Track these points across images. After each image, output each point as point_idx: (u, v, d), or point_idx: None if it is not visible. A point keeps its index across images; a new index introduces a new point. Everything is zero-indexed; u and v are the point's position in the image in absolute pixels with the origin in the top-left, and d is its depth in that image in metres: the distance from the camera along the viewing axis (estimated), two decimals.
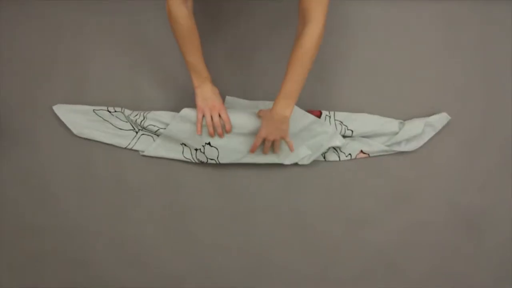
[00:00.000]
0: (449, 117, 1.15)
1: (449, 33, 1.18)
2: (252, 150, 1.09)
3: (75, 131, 1.16)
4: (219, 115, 1.06)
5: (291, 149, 1.08)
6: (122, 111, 1.15)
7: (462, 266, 1.16)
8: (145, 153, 1.15)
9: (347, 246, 1.17)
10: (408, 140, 1.15)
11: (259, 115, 1.07)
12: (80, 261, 1.17)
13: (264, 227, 1.17)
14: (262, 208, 1.17)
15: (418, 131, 1.12)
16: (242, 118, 1.08)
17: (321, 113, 1.14)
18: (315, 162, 1.17)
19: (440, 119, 1.15)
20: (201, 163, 1.15)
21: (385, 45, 1.18)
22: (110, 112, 1.15)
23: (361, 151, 1.15)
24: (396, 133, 1.13)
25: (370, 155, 1.16)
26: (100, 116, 1.15)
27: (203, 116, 1.06)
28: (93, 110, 1.15)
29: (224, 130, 1.08)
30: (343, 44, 1.19)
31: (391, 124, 1.13)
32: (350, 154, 1.15)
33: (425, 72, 1.18)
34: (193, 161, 1.14)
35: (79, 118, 1.16)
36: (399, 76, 1.18)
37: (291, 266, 1.17)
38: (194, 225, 1.17)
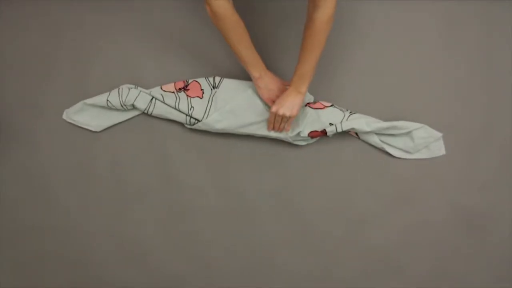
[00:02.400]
0: (444, 152, 1.17)
1: (449, 32, 1.19)
2: (269, 128, 1.11)
3: (93, 129, 1.17)
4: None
5: (287, 130, 1.11)
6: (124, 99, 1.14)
7: (463, 265, 1.16)
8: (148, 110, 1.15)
9: (348, 246, 1.17)
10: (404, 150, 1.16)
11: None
12: (80, 261, 1.17)
13: (264, 227, 1.17)
14: (262, 208, 1.17)
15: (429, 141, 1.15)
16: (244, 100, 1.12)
17: (326, 134, 1.12)
18: (316, 162, 1.17)
19: (438, 149, 1.16)
20: (194, 122, 1.14)
21: (385, 45, 1.18)
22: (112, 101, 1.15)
23: (355, 132, 1.16)
24: (407, 133, 1.14)
25: (360, 138, 1.16)
26: (112, 104, 1.14)
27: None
28: (107, 100, 1.14)
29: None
30: (343, 44, 1.19)
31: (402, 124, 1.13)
32: (342, 130, 1.12)
33: (425, 72, 1.18)
34: (186, 121, 1.15)
35: (90, 116, 1.16)
36: (399, 75, 1.18)
37: (291, 266, 1.17)
38: (194, 225, 1.17)
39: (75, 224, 1.17)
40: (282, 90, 1.08)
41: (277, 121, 1.07)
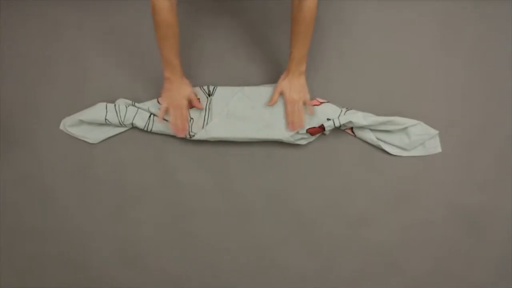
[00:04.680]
0: (440, 150, 1.16)
1: (449, 32, 1.19)
2: (290, 125, 1.12)
3: (90, 141, 1.18)
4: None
5: (311, 113, 1.12)
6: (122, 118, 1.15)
7: (462, 264, 1.15)
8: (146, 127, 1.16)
9: (347, 246, 1.16)
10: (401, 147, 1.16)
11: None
12: (80, 263, 1.17)
13: (263, 227, 1.17)
14: (261, 208, 1.17)
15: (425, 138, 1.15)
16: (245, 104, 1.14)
17: (324, 129, 1.13)
18: (313, 161, 1.17)
19: (433, 147, 1.16)
20: (193, 134, 1.15)
21: (382, 43, 1.19)
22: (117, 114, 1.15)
23: (351, 129, 1.16)
24: (403, 129, 1.14)
25: (356, 135, 1.16)
26: (110, 122, 1.15)
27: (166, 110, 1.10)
28: (105, 119, 1.15)
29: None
30: (342, 44, 1.20)
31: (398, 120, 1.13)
32: (340, 124, 1.12)
33: (425, 72, 1.18)
34: (186, 136, 1.15)
35: (87, 129, 1.17)
36: (398, 75, 1.19)
37: (291, 266, 1.16)
38: (194, 226, 1.17)
39: (75, 226, 1.18)
40: (181, 105, 1.09)
41: (293, 111, 1.10)
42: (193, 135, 1.14)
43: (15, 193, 1.18)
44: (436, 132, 1.15)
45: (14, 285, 1.17)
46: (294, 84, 1.08)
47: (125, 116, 1.14)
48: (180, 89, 1.09)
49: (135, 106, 1.16)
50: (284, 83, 1.09)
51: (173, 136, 1.18)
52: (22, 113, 1.20)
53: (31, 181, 1.18)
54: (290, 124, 1.11)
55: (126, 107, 1.15)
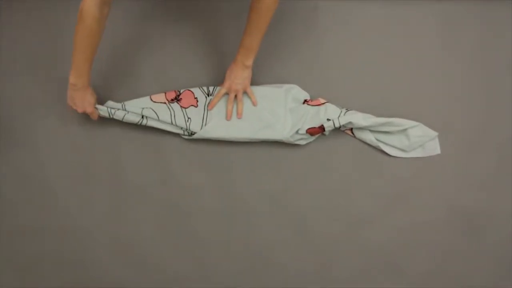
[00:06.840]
0: (439, 152, 1.16)
1: (449, 32, 1.19)
2: (210, 107, 1.13)
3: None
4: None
5: (254, 103, 1.13)
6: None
7: (461, 265, 1.15)
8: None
9: (347, 246, 1.16)
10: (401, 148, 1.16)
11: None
12: (79, 262, 1.18)
13: (262, 227, 1.17)
14: (261, 209, 1.17)
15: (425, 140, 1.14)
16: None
17: (324, 130, 1.13)
18: (313, 162, 1.17)
19: (433, 149, 1.16)
20: (192, 133, 1.15)
21: (382, 44, 1.19)
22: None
23: (351, 130, 1.16)
24: (403, 131, 1.14)
25: (356, 136, 1.16)
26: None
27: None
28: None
29: None
30: (341, 44, 1.20)
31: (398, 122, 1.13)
32: (340, 125, 1.12)
33: (424, 73, 1.18)
34: (184, 133, 1.15)
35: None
36: (398, 76, 1.19)
37: (290, 265, 1.16)
38: (194, 225, 1.17)
39: (75, 225, 1.18)
40: (87, 111, 1.06)
41: (230, 102, 1.11)
42: (192, 134, 1.14)
43: (15, 193, 1.19)
44: (436, 134, 1.15)
45: (14, 285, 1.17)
46: (236, 76, 1.08)
47: (115, 113, 1.10)
48: (84, 98, 1.05)
49: (125, 110, 1.12)
50: (228, 72, 1.10)
51: (173, 136, 1.18)
52: (22, 113, 1.20)
53: (31, 181, 1.19)
54: (228, 112, 1.12)
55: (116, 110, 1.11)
